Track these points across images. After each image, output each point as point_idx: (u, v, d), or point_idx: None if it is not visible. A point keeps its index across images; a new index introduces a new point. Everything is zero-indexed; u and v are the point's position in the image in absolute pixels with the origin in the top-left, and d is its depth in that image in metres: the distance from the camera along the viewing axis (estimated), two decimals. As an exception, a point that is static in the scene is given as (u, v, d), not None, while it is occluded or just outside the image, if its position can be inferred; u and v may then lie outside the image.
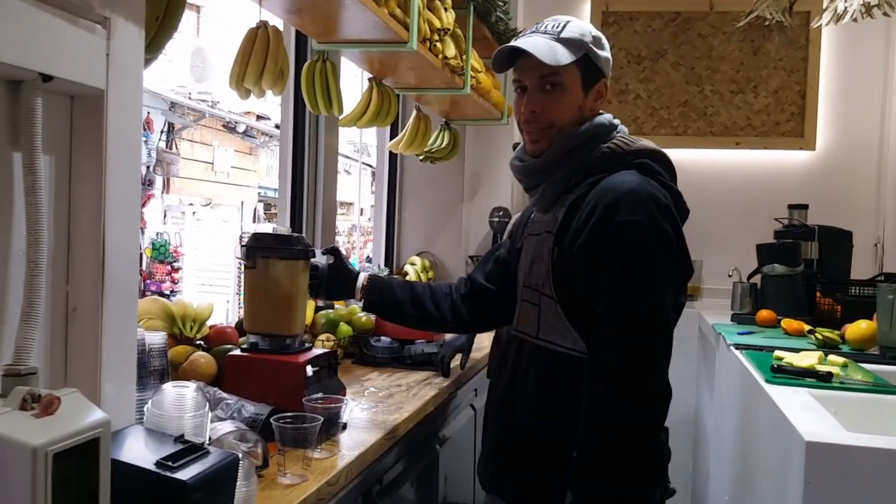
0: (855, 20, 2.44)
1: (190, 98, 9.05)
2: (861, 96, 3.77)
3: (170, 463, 1.00)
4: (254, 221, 10.90)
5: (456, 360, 2.28)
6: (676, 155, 4.01)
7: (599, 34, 1.47)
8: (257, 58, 1.75)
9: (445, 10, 2.39)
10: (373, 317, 2.39)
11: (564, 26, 1.42)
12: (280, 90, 1.84)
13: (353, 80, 3.12)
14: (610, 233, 1.29)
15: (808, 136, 3.80)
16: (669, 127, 3.92)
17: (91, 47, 1.05)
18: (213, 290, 9.08)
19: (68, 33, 1.01)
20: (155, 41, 1.35)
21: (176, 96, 8.76)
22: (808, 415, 1.45)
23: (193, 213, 10.08)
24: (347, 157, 8.58)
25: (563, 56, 1.38)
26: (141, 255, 7.99)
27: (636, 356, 1.28)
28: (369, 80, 2.54)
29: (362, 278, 1.66)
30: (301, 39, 2.54)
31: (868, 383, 1.78)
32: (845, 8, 2.32)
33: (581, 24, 1.44)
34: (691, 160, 3.90)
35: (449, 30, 2.39)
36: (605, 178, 1.35)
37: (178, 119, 9.07)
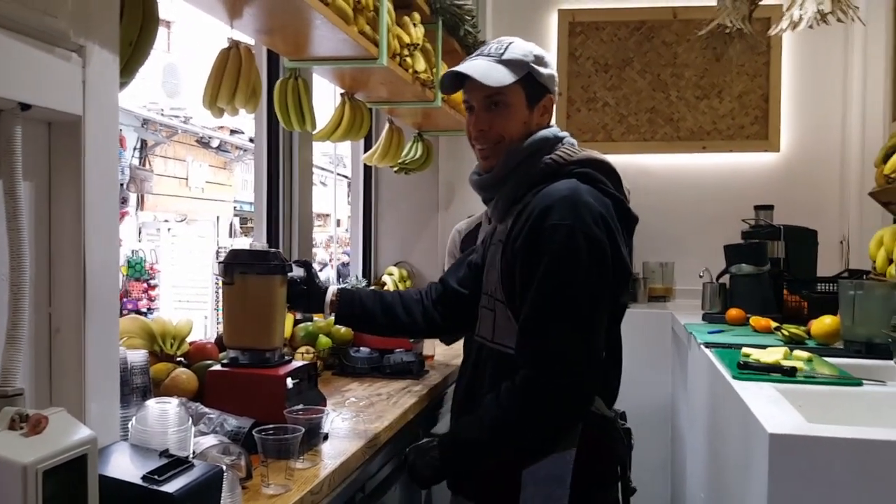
0: (811, 27, 2.52)
1: (162, 114, 9.02)
2: (822, 98, 3.88)
3: (156, 476, 1.03)
4: (230, 236, 10.86)
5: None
6: (645, 160, 4.11)
7: (542, 53, 1.54)
8: (230, 78, 1.79)
9: (414, 25, 2.44)
10: (351, 328, 2.42)
11: (507, 48, 1.50)
12: (253, 109, 1.87)
13: (326, 95, 3.16)
14: (540, 236, 1.35)
15: (771, 139, 3.90)
16: (637, 133, 4.00)
17: (68, 75, 1.08)
18: (191, 306, 9.02)
19: (45, 62, 1.04)
20: (129, 65, 1.38)
21: (148, 113, 8.74)
22: (773, 408, 1.51)
23: (169, 229, 10.03)
24: (323, 169, 8.60)
25: (504, 77, 1.47)
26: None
27: (554, 353, 1.33)
28: (341, 94, 2.58)
29: (331, 292, 1.70)
30: (273, 57, 2.57)
31: (831, 376, 1.85)
32: (801, 15, 2.40)
33: (523, 45, 1.52)
34: (660, 165, 3.99)
35: (418, 45, 2.44)
36: (546, 187, 1.42)
37: (150, 136, 9.04)
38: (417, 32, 2.45)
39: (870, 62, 3.53)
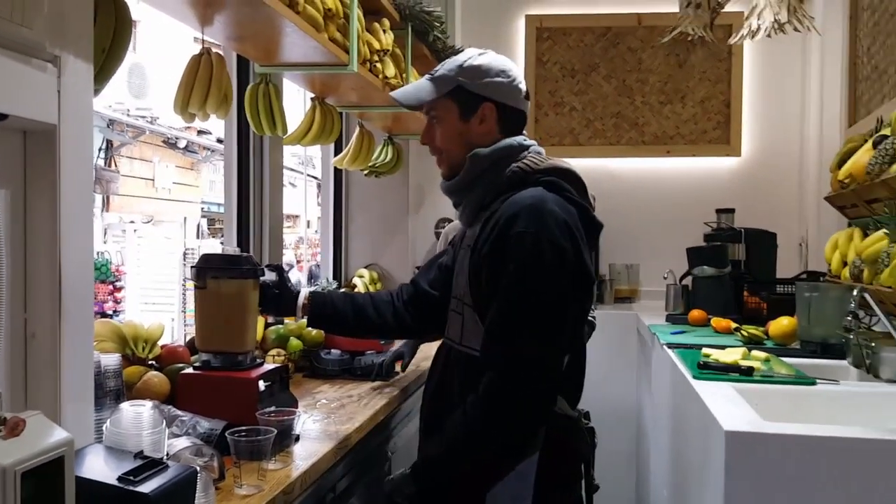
0: (769, 36, 2.61)
1: (128, 115, 8.92)
2: (782, 104, 3.99)
3: (131, 477, 1.06)
4: (198, 237, 10.77)
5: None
6: (611, 164, 4.18)
7: (481, 63, 1.54)
8: (201, 84, 1.81)
9: (384, 31, 2.48)
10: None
11: (444, 64, 1.57)
12: (224, 114, 1.89)
13: (296, 99, 3.18)
14: (507, 243, 1.39)
15: (733, 143, 4.00)
16: (604, 137, 4.08)
17: (43, 85, 1.10)
18: (157, 308, 8.92)
19: (21, 73, 1.06)
20: (103, 72, 1.40)
21: (114, 113, 8.63)
22: (730, 407, 1.58)
23: (135, 230, 9.91)
24: (292, 170, 8.57)
25: (427, 94, 1.54)
26: (81, 275, 7.84)
27: (519, 359, 1.37)
28: (312, 99, 2.60)
29: (303, 295, 1.73)
30: (243, 62, 2.59)
31: (787, 376, 1.93)
32: (759, 25, 2.49)
33: (455, 60, 1.56)
34: (625, 168, 4.07)
35: (388, 50, 2.48)
36: (514, 195, 1.46)
37: (116, 136, 8.94)
38: (387, 38, 2.48)
39: (827, 69, 3.65)
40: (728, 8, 3.22)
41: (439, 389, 1.60)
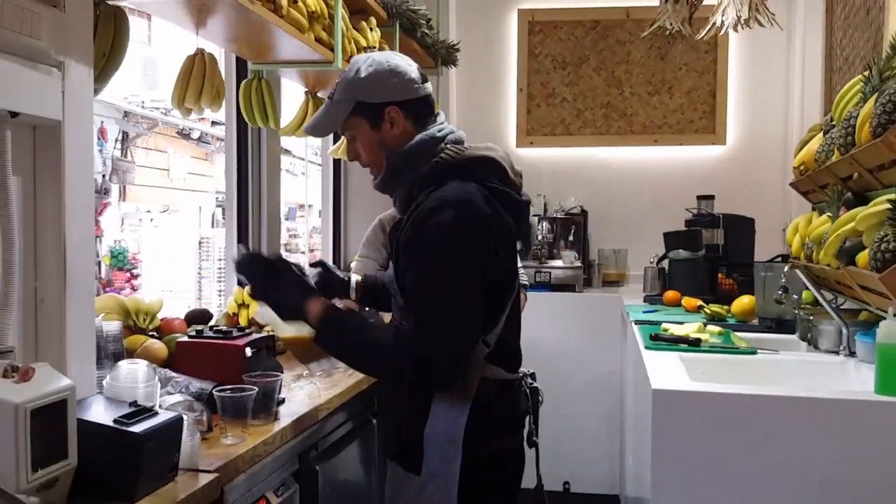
0: (736, 30, 2.76)
1: (143, 106, 9.15)
2: (766, 94, 4.13)
3: (125, 420, 1.25)
4: (212, 226, 11.00)
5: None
6: (601, 153, 4.34)
7: (368, 75, 1.55)
8: (196, 81, 1.99)
9: (371, 29, 2.65)
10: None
11: (337, 87, 1.59)
12: (217, 108, 2.07)
13: (298, 92, 3.36)
14: (424, 232, 1.48)
15: (718, 132, 4.15)
16: (594, 127, 4.23)
17: (49, 87, 1.30)
18: (174, 295, 9.17)
19: (30, 77, 1.26)
20: (102, 74, 1.59)
21: (129, 105, 8.86)
22: (666, 370, 1.75)
23: (151, 219, 10.17)
24: (303, 160, 8.76)
25: (333, 121, 1.61)
26: (99, 263, 8.07)
27: (436, 299, 1.45)
28: (305, 92, 2.78)
29: (355, 279, 1.87)
30: (241, 59, 2.77)
31: (731, 347, 2.09)
32: (723, 21, 2.64)
33: (345, 79, 1.58)
34: (614, 158, 4.23)
35: (375, 47, 2.65)
36: (437, 189, 1.53)
37: (131, 127, 9.17)
38: (374, 36, 2.66)
39: (808, 60, 3.78)
40: (707, 1, 3.36)
41: None
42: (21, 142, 1.30)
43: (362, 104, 1.57)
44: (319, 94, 2.79)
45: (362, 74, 1.56)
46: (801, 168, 2.46)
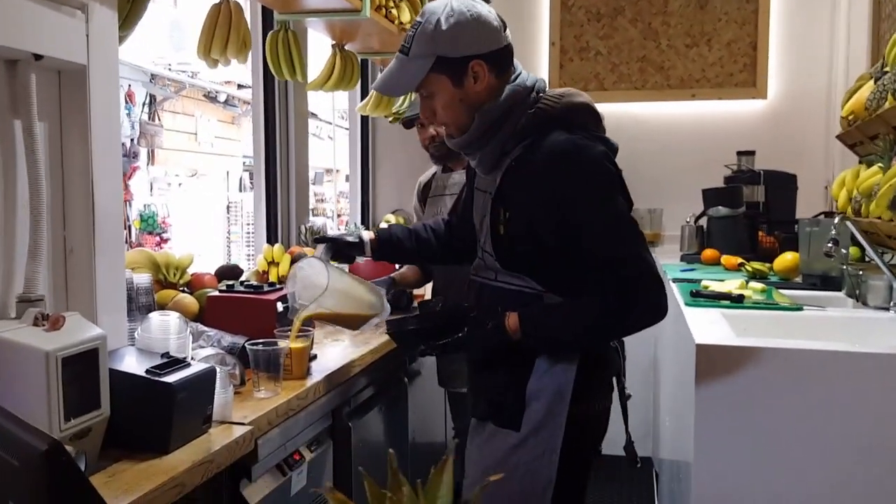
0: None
1: (170, 69, 9.13)
2: (809, 45, 3.95)
3: (158, 371, 1.23)
4: (240, 191, 11.03)
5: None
6: (636, 108, 4.21)
7: (451, 27, 1.43)
8: (221, 31, 1.94)
9: (400, -22, 2.57)
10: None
11: (413, 40, 1.46)
12: (244, 59, 2.02)
13: (324, 48, 3.29)
14: (559, 185, 1.42)
15: (759, 86, 3.99)
16: (629, 82, 4.10)
17: (73, 29, 1.25)
18: (203, 259, 9.24)
19: (54, 18, 1.21)
20: (128, 20, 1.54)
21: (156, 68, 8.84)
22: (709, 326, 1.69)
23: (179, 184, 10.21)
24: (329, 123, 8.70)
25: (410, 80, 1.48)
26: (129, 226, 8.14)
27: (627, 251, 1.43)
28: (332, 46, 2.72)
29: (367, 236, 1.82)
30: (267, 10, 2.71)
31: (777, 303, 2.02)
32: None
33: (424, 33, 1.44)
34: (650, 113, 4.10)
35: (404, -3, 2.57)
36: (538, 140, 1.47)
37: (159, 90, 9.16)
38: (404, -15, 2.57)
39: (854, 9, 3.61)
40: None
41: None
42: (46, 87, 1.26)
43: (443, 59, 1.44)
44: (347, 47, 2.73)
45: (444, 27, 1.43)
46: (850, 118, 2.34)
